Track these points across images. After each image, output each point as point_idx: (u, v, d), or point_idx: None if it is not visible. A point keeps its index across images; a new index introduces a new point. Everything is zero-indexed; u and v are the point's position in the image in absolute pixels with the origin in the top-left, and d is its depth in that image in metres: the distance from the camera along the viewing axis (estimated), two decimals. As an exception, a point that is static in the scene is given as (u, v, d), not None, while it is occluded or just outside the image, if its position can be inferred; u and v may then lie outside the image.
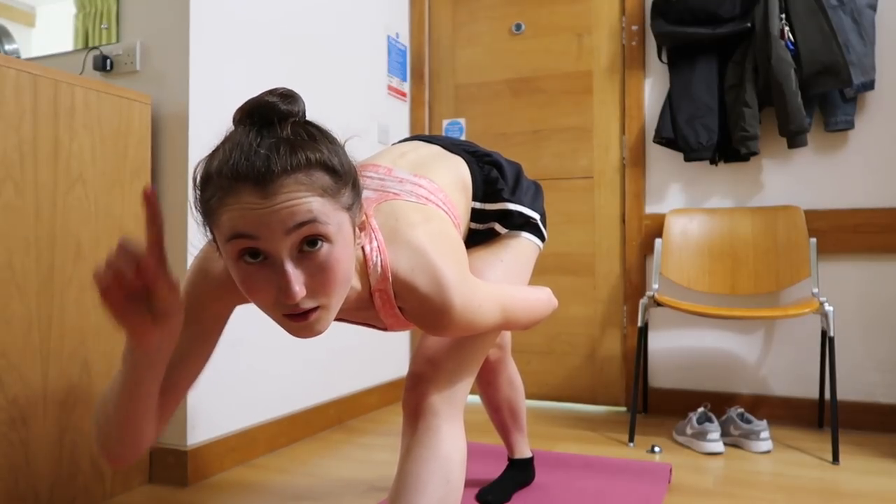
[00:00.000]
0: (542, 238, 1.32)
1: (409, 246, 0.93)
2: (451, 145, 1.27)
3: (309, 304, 0.78)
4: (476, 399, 2.83)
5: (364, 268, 0.93)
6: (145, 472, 1.76)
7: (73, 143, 1.56)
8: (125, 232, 1.69)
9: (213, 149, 0.80)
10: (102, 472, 1.64)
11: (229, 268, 0.79)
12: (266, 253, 0.75)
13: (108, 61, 1.82)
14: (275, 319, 0.81)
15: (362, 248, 0.92)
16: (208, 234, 0.83)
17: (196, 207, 0.81)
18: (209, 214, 0.79)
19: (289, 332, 0.82)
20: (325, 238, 0.76)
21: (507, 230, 1.24)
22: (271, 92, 0.79)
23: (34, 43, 2.03)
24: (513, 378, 1.56)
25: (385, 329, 1.05)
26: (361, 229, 0.87)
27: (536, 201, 1.30)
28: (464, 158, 1.23)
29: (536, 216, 1.27)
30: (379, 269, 0.92)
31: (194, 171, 0.80)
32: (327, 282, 0.78)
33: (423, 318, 0.94)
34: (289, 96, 0.79)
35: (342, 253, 0.79)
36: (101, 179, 1.63)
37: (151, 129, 1.80)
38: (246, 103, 0.80)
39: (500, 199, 1.22)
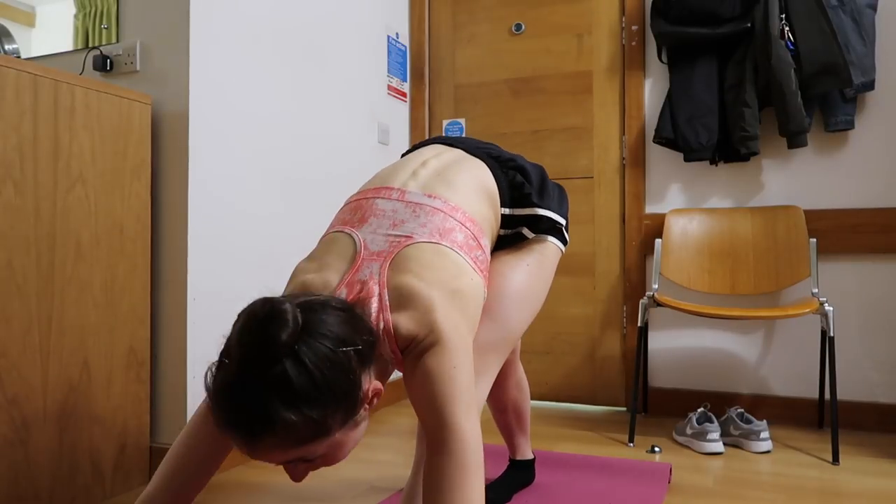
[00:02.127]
0: (564, 242, 1.34)
1: (406, 298, 0.99)
2: (474, 149, 1.28)
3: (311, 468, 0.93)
4: (476, 399, 2.83)
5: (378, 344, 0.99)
6: (145, 472, 1.76)
7: (73, 143, 1.56)
8: (125, 232, 1.69)
9: (218, 360, 0.87)
10: (102, 472, 1.64)
11: None
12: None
13: (108, 61, 1.82)
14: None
15: (378, 331, 0.98)
16: None
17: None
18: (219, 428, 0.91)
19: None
20: (313, 459, 0.89)
21: (534, 234, 1.26)
22: (261, 321, 0.83)
23: (34, 43, 2.03)
24: (521, 381, 1.56)
25: None
26: (370, 401, 0.94)
27: (562, 206, 1.32)
28: (487, 164, 1.24)
29: (563, 221, 1.30)
30: (387, 341, 0.98)
31: (206, 377, 0.89)
32: (325, 465, 0.93)
33: (415, 355, 0.99)
34: (275, 326, 0.82)
35: (339, 449, 0.91)
36: (101, 179, 1.63)
37: (151, 129, 1.80)
38: (246, 314, 0.85)
39: (528, 205, 1.24)
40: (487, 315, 1.18)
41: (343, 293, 1.00)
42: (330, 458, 0.92)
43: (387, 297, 0.98)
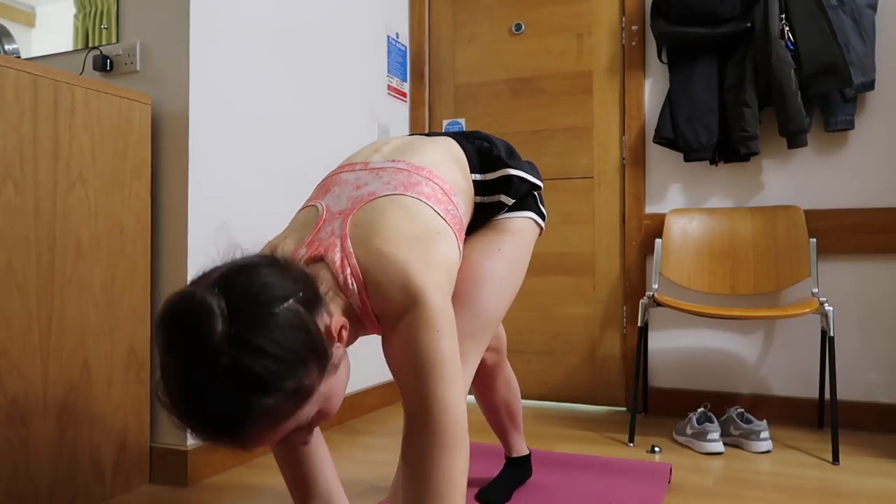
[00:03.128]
0: (542, 216, 1.30)
1: (374, 253, 0.93)
2: (433, 133, 1.27)
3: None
4: (471, 398, 2.83)
5: (344, 295, 0.94)
6: (145, 472, 1.76)
7: (73, 143, 1.56)
8: (125, 232, 1.69)
9: (161, 377, 0.80)
10: (102, 471, 1.64)
11: None
12: None
13: (108, 61, 1.82)
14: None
15: (337, 273, 0.93)
16: None
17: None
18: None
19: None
20: (312, 419, 0.85)
21: (513, 200, 1.22)
22: (182, 322, 0.76)
23: (34, 43, 2.03)
24: (509, 380, 1.56)
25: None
26: (339, 335, 0.88)
27: (534, 171, 1.29)
28: (452, 138, 1.24)
29: (539, 182, 1.26)
30: (356, 293, 0.93)
31: (160, 397, 0.82)
32: (325, 417, 0.88)
33: (394, 319, 0.93)
34: (200, 320, 0.75)
35: (328, 401, 0.86)
36: (101, 179, 1.63)
37: (151, 129, 1.80)
38: (165, 323, 0.77)
39: (499, 167, 1.20)
40: (461, 303, 1.14)
41: (302, 253, 0.96)
42: (325, 412, 0.87)
43: (350, 245, 0.94)
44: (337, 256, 0.93)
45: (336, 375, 0.86)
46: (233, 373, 0.73)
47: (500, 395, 1.55)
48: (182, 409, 0.77)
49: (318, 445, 1.07)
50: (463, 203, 1.14)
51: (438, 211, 1.04)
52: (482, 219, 1.24)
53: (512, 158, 1.23)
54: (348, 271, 0.92)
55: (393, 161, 1.10)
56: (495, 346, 1.50)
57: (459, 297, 1.15)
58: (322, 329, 0.83)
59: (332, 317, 0.87)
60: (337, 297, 0.92)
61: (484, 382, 1.53)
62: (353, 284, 0.92)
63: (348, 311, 0.94)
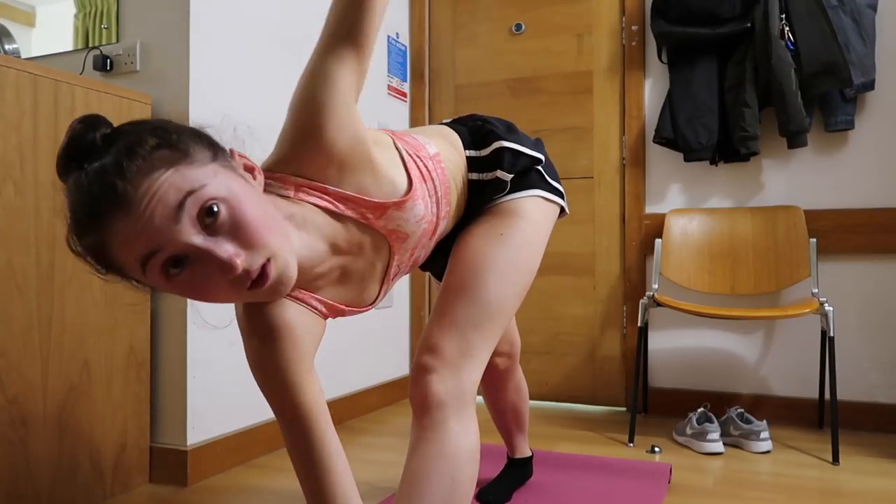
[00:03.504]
0: (556, 192, 1.20)
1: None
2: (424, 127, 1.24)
3: (256, 262, 0.77)
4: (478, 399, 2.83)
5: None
6: (145, 472, 1.76)
7: (73, 143, 1.56)
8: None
9: (66, 213, 0.77)
10: (102, 471, 1.64)
11: (165, 290, 0.78)
12: (181, 254, 0.74)
13: (108, 61, 1.82)
14: (247, 301, 0.81)
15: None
16: (126, 281, 0.80)
17: (97, 269, 0.79)
18: (108, 264, 0.77)
19: (269, 300, 0.82)
20: (212, 199, 0.74)
21: (510, 174, 1.13)
22: (70, 130, 0.76)
23: (34, 43, 2.03)
24: (520, 385, 1.54)
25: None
26: (250, 170, 0.85)
27: (538, 147, 1.20)
28: (444, 124, 1.20)
29: (539, 156, 1.16)
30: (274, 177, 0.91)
31: (67, 241, 0.78)
32: (251, 230, 0.76)
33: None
34: (85, 123, 0.75)
35: (244, 198, 0.77)
36: (101, 179, 1.63)
37: (151, 129, 1.80)
38: (58, 156, 0.77)
39: (492, 140, 1.13)
40: (461, 293, 1.05)
41: None
42: (240, 215, 0.76)
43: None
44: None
45: (248, 185, 0.81)
46: (114, 139, 0.74)
47: (509, 398, 1.53)
48: (75, 189, 0.74)
49: (338, 456, 1.02)
50: (447, 164, 1.09)
51: (400, 146, 1.02)
52: (480, 201, 1.15)
53: (509, 133, 1.15)
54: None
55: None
56: (507, 350, 1.46)
57: (459, 286, 1.05)
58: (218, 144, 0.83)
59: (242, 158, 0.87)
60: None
61: (494, 385, 1.51)
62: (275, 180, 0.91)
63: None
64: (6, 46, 2.03)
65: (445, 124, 1.21)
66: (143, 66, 1.81)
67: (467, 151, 1.14)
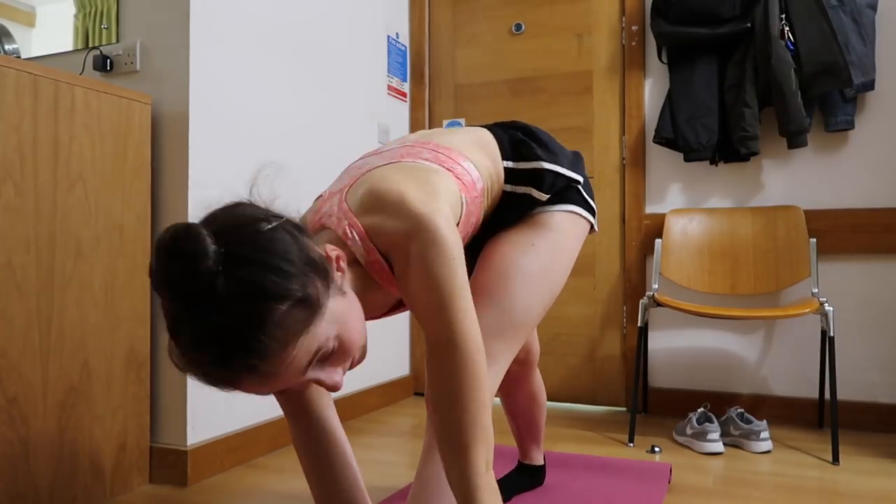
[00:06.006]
0: (590, 210, 1.20)
1: (370, 196, 0.90)
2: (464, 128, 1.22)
3: (351, 363, 0.86)
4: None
5: (350, 254, 0.91)
6: (145, 472, 1.76)
7: (73, 143, 1.56)
8: (125, 232, 1.69)
9: (169, 332, 0.75)
10: (102, 471, 1.64)
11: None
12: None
13: (108, 61, 1.82)
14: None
15: (336, 229, 0.91)
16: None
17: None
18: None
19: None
20: (331, 342, 0.80)
21: (545, 195, 1.13)
22: (172, 251, 0.70)
23: (34, 43, 2.03)
24: (535, 393, 1.50)
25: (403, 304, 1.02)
26: (337, 263, 0.85)
27: (577, 166, 1.19)
28: (485, 128, 1.18)
29: (578, 177, 1.16)
30: (357, 240, 0.89)
31: (175, 362, 0.77)
32: (353, 349, 0.83)
33: (403, 254, 0.88)
34: (189, 242, 0.70)
35: (348, 321, 0.82)
36: (101, 179, 1.63)
37: (151, 129, 1.80)
38: (157, 272, 0.72)
39: (532, 158, 1.12)
40: (487, 299, 1.05)
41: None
42: (348, 342, 0.82)
43: (346, 205, 0.92)
44: (335, 219, 0.92)
45: (347, 300, 0.83)
46: (233, 288, 0.70)
47: (521, 404, 1.51)
48: (196, 346, 0.71)
49: (343, 449, 1.04)
50: (480, 173, 1.08)
51: (439, 167, 0.99)
52: (515, 212, 1.15)
53: (549, 152, 1.15)
54: (345, 222, 0.90)
55: (403, 145, 1.05)
56: (523, 357, 1.43)
57: (486, 291, 1.06)
58: (314, 247, 0.81)
59: (326, 250, 0.84)
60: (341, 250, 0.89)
61: (506, 390, 1.49)
62: (352, 233, 0.89)
63: (353, 262, 0.91)
64: (6, 46, 2.03)
65: (486, 127, 1.19)
66: (143, 66, 1.81)
67: (505, 162, 1.13)
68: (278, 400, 1.03)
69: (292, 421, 1.03)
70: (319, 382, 0.81)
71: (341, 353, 0.82)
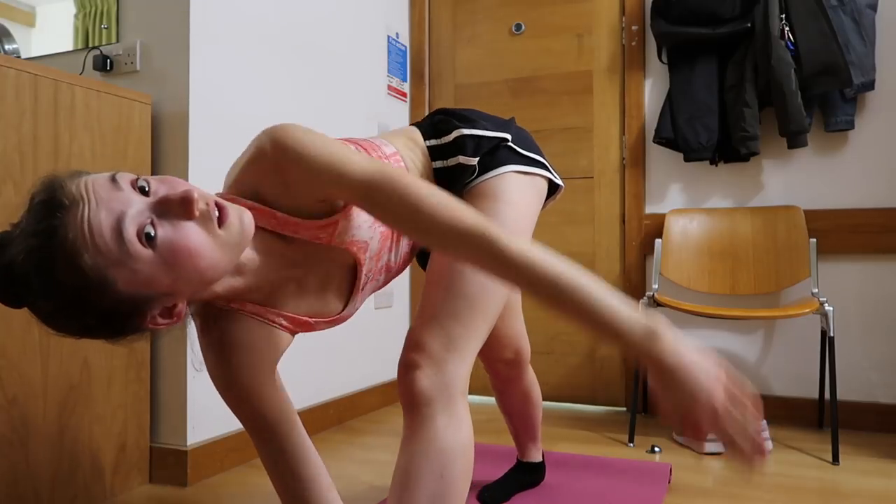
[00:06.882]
0: (533, 163, 1.15)
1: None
2: None
3: (207, 200, 0.79)
4: (478, 399, 2.83)
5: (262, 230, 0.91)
6: (145, 472, 1.76)
7: (73, 143, 1.56)
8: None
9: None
10: (102, 471, 1.64)
11: (159, 275, 0.76)
12: (148, 219, 0.75)
13: (108, 61, 1.82)
14: (221, 244, 0.79)
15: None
16: (136, 333, 0.83)
17: (107, 334, 0.81)
18: (102, 301, 0.76)
19: (243, 243, 0.82)
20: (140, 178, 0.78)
21: (473, 158, 1.10)
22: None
23: (34, 43, 2.03)
24: (528, 392, 1.50)
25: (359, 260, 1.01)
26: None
27: (505, 127, 1.16)
28: (412, 125, 1.21)
29: (505, 135, 1.13)
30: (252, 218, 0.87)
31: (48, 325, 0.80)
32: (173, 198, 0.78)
33: (270, 170, 0.89)
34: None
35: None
36: (101, 179, 1.63)
37: (151, 129, 1.80)
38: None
39: (451, 130, 1.12)
40: (440, 284, 1.01)
41: None
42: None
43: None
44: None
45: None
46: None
47: (515, 405, 1.51)
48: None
49: (310, 463, 1.01)
50: (396, 149, 1.09)
51: (352, 146, 1.00)
52: (454, 188, 1.13)
53: (467, 121, 1.13)
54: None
55: None
56: (511, 357, 1.42)
57: (438, 279, 1.02)
58: None
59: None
60: None
61: (497, 388, 1.50)
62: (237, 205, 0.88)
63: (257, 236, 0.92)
64: (6, 46, 2.03)
65: (412, 124, 1.22)
66: (143, 66, 1.81)
67: (427, 141, 1.14)
68: (240, 421, 1.01)
69: (254, 439, 1.01)
70: (165, 198, 0.76)
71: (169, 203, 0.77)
